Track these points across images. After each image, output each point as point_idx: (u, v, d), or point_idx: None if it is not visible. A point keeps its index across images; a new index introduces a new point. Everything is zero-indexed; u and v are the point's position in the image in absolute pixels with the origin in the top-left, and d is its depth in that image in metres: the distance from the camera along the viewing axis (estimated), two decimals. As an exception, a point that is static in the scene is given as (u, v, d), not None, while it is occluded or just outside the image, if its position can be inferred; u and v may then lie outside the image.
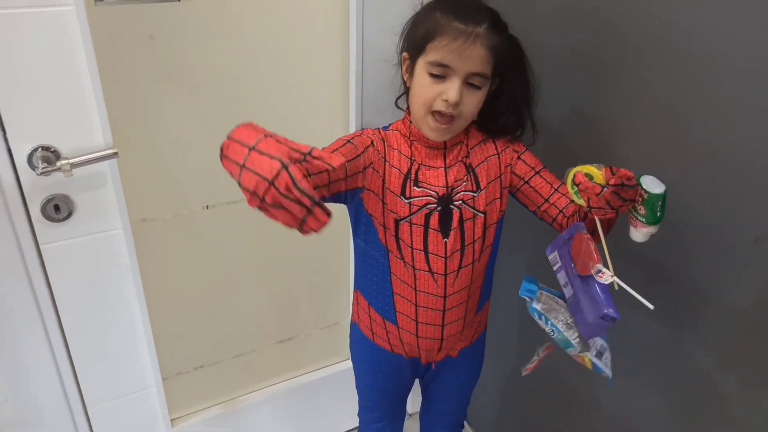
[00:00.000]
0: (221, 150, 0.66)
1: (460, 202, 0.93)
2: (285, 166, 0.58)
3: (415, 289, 0.97)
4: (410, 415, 1.60)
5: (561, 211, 0.93)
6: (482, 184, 0.94)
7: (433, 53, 0.84)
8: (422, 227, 0.92)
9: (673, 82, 0.85)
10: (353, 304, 1.12)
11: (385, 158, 0.92)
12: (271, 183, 0.58)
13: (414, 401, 1.51)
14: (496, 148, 0.96)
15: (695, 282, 0.90)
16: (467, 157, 0.94)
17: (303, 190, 0.58)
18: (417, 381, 1.19)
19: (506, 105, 0.94)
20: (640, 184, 0.76)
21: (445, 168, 0.92)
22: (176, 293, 1.28)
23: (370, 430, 1.25)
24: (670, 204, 0.77)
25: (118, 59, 1.01)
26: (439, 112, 0.86)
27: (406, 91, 0.95)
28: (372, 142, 0.93)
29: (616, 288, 0.77)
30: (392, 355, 1.07)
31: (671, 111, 0.87)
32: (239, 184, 0.61)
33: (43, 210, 0.98)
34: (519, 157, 0.96)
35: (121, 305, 1.14)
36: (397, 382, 1.14)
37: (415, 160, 0.92)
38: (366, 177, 0.92)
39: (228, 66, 1.12)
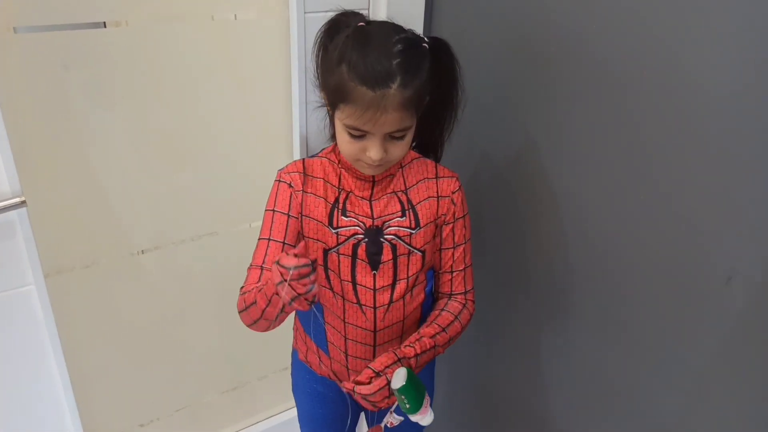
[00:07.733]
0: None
1: (393, 236, 0.90)
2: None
3: (344, 321, 0.95)
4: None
5: (449, 294, 0.97)
6: (422, 222, 0.91)
7: (347, 118, 0.80)
8: (350, 258, 0.90)
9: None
10: (293, 330, 1.10)
11: (303, 191, 0.90)
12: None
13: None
14: (437, 191, 0.93)
15: (668, 320, 0.87)
16: (404, 192, 0.91)
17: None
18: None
19: (436, 117, 0.91)
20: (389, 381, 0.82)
21: (371, 200, 0.90)
22: (104, 348, 1.17)
23: None
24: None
25: (27, 92, 0.91)
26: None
27: (332, 122, 0.90)
28: (290, 184, 0.91)
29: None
30: (326, 381, 1.05)
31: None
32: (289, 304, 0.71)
33: (-64, 268, 0.86)
34: (445, 223, 0.94)
35: (37, 369, 1.02)
36: (334, 411, 1.09)
37: (343, 189, 0.90)
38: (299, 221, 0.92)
39: (156, 97, 1.03)
